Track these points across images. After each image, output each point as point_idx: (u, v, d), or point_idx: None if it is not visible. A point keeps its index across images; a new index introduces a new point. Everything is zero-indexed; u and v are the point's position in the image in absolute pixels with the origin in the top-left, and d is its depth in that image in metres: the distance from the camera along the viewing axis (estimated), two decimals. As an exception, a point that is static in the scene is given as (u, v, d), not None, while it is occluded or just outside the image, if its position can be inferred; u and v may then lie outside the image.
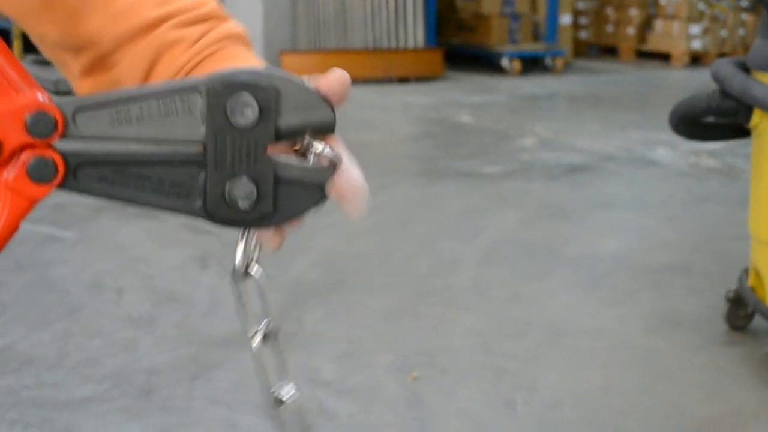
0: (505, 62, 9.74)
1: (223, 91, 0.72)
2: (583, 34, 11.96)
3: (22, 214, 0.75)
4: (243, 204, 0.74)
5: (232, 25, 0.85)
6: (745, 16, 11.71)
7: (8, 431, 2.25)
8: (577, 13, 11.59)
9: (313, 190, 0.74)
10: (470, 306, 3.11)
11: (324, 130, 0.74)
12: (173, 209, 0.75)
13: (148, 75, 0.83)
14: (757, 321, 2.94)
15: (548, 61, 10.13)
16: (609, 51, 11.89)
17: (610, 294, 3.27)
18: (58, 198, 3.87)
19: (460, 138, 6.23)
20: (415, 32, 9.21)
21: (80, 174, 0.74)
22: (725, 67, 2.60)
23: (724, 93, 2.60)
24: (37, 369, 2.58)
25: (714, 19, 11.21)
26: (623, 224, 4.17)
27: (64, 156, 0.73)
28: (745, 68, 2.59)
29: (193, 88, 0.73)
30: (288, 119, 0.73)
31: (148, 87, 0.73)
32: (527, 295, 3.26)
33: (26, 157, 0.73)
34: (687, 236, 3.99)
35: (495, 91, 8.49)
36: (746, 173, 5.12)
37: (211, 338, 2.80)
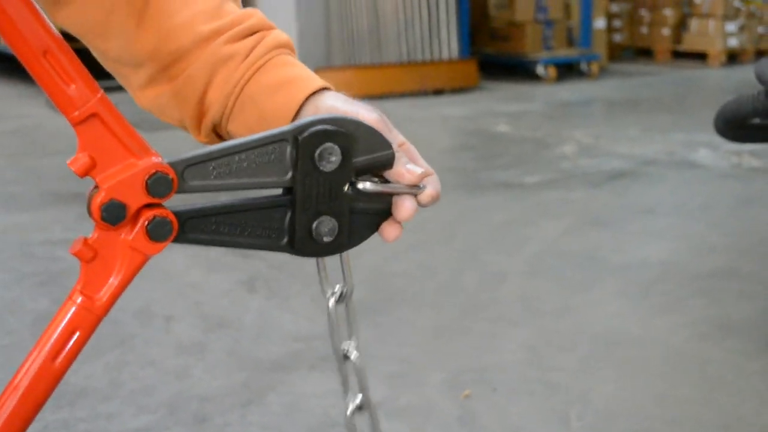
0: (540, 69, 9.71)
1: (311, 140, 0.82)
2: (618, 37, 11.89)
3: (139, 269, 0.83)
4: (327, 239, 0.85)
5: (278, 34, 0.91)
6: (782, 11, 11.60)
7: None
8: (610, 16, 11.53)
9: (377, 216, 0.87)
10: (518, 320, 3.10)
11: (387, 165, 0.86)
12: (263, 248, 0.85)
13: (206, 89, 0.89)
14: (811, 324, 2.91)
15: (584, 66, 10.08)
16: (644, 53, 11.81)
17: (659, 302, 3.25)
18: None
19: (498, 148, 6.22)
20: (449, 43, 9.21)
21: (188, 228, 0.83)
22: (769, 66, 2.56)
23: (769, 93, 2.57)
24: (91, 400, 2.61)
25: (750, 15, 11.10)
26: (668, 230, 4.14)
27: (178, 215, 0.82)
28: (790, 68, 2.55)
29: (283, 138, 0.82)
30: (361, 159, 0.84)
31: (245, 140, 0.82)
32: (575, 306, 3.24)
33: (145, 218, 0.81)
34: (734, 240, 3.95)
35: (531, 99, 8.47)
36: (791, 172, 5.06)
37: (262, 362, 2.82)
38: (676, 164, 5.48)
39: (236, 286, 3.48)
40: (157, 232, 0.81)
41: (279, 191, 0.85)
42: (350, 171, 0.84)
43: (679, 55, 11.36)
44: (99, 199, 0.79)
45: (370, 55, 9.06)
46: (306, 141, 0.82)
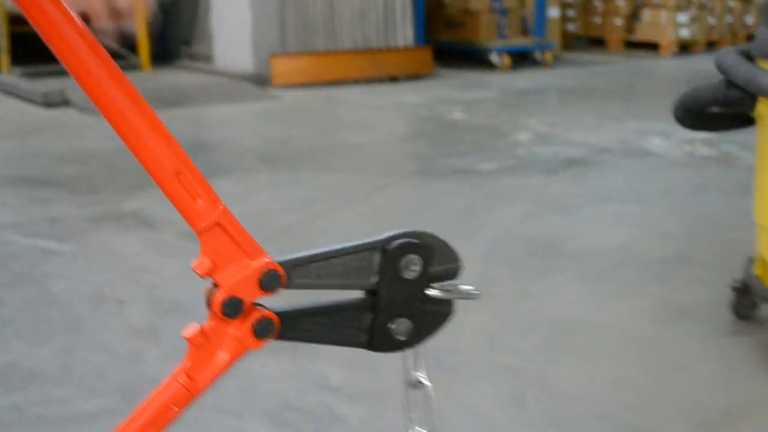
0: (494, 57, 9.73)
1: (398, 251, 0.94)
2: (571, 27, 11.97)
3: (238, 359, 0.94)
4: (402, 338, 0.98)
5: None
6: (733, 3, 11.73)
7: (19, 450, 2.23)
8: (564, 6, 11.59)
9: (444, 316, 1.00)
10: (476, 305, 3.08)
11: (454, 275, 0.99)
12: (346, 345, 0.97)
13: None
14: (764, 310, 2.94)
15: (538, 54, 10.13)
16: (597, 42, 11.89)
17: (615, 287, 3.27)
18: (53, 211, 3.85)
19: (454, 136, 6.23)
20: (404, 31, 9.20)
21: (286, 327, 0.94)
22: (730, 56, 2.58)
23: (729, 83, 2.59)
24: (43, 385, 2.56)
25: (701, 7, 11.22)
26: (624, 216, 4.17)
27: (280, 316, 0.93)
28: (749, 57, 2.57)
29: (375, 248, 0.94)
30: (435, 269, 0.97)
31: (342, 247, 0.94)
32: (532, 291, 3.25)
33: (254, 317, 0.92)
34: (688, 226, 3.99)
35: (486, 87, 8.49)
36: (742, 161, 5.13)
37: (216, 347, 2.78)
38: (630, 152, 5.52)
39: (190, 271, 3.43)
40: (262, 331, 0.93)
41: (361, 293, 0.97)
42: (426, 279, 0.96)
43: (631, 45, 11.45)
44: (220, 296, 0.91)
45: (325, 41, 9.01)
46: (392, 251, 0.94)
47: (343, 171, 5.14)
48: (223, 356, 0.94)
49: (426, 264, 0.96)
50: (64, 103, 7.33)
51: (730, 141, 5.60)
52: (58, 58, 0.82)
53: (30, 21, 0.81)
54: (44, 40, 0.81)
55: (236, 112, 7.25)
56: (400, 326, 0.97)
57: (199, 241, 0.90)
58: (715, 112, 2.85)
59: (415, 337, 0.99)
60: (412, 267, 0.95)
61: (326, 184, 4.84)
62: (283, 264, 0.92)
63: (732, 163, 5.17)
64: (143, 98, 0.85)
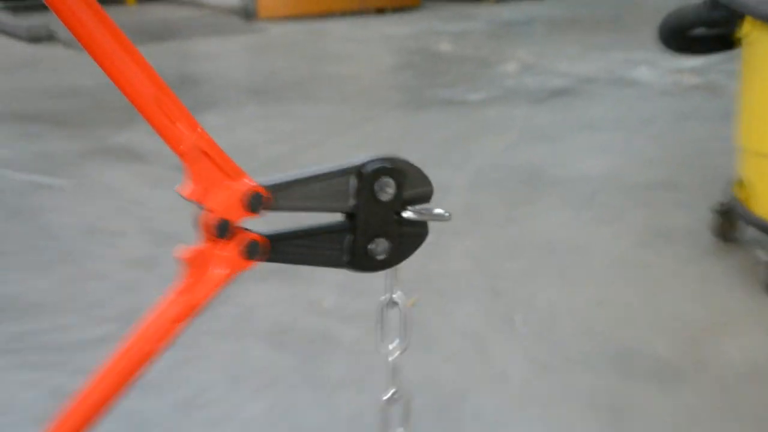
0: (481, -12, 9.67)
1: (373, 175, 0.99)
2: (558, -43, 11.86)
3: (231, 279, 0.98)
4: (381, 257, 1.02)
5: None
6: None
7: (29, 375, 2.30)
8: (551, -65, 11.46)
9: (420, 237, 1.04)
10: (464, 230, 3.16)
11: (427, 198, 1.03)
12: (329, 266, 1.02)
13: None
14: (743, 231, 3.01)
15: (524, -15, 10.05)
16: (585, -28, 11.80)
17: (600, 212, 3.34)
18: (44, 146, 3.86)
19: (441, 67, 6.23)
20: (389, -38, 9.10)
21: (274, 250, 0.99)
22: (714, -23, 2.61)
23: (714, 3, 2.61)
24: (48, 314, 2.62)
25: (689, -66, 11.13)
26: (609, 144, 4.22)
27: (268, 239, 0.98)
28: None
29: (351, 172, 0.99)
30: (409, 192, 1.01)
31: (321, 172, 0.99)
32: (519, 217, 3.31)
33: (243, 239, 0.97)
34: (672, 153, 4.04)
35: (473, 19, 8.46)
36: (728, 89, 5.16)
37: (212, 274, 2.84)
38: (616, 81, 5.55)
39: (181, 202, 3.47)
40: (251, 252, 0.97)
41: (339, 216, 1.02)
42: (400, 201, 1.01)
43: (619, -25, 11.37)
44: (210, 219, 0.94)
45: (310, -27, 8.92)
46: (368, 175, 0.99)
47: (331, 102, 5.17)
48: (216, 274, 0.98)
49: (399, 187, 1.01)
50: (50, 38, 7.28)
51: (717, 69, 5.62)
52: None
53: None
54: None
55: (222, 46, 7.22)
56: (379, 246, 1.02)
57: (183, 165, 0.94)
58: (699, 34, 2.87)
59: (394, 257, 1.04)
60: (387, 189, 1.00)
61: (314, 115, 4.87)
62: (266, 186, 0.96)
63: (718, 91, 5.19)
64: (122, 31, 0.89)
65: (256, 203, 0.96)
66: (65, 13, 0.87)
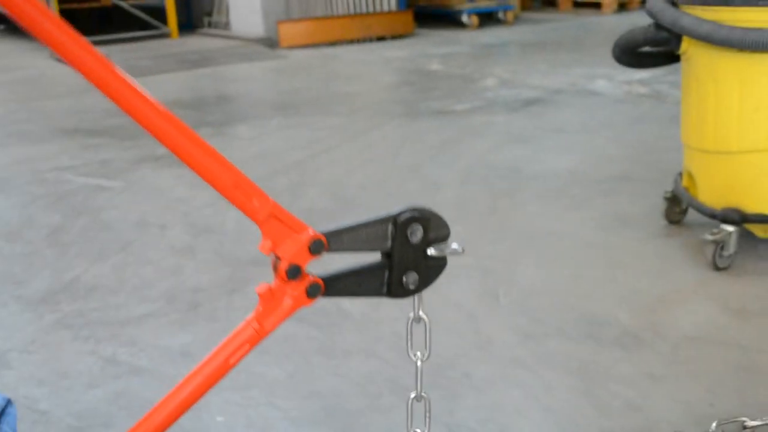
0: (464, 18, 9.59)
1: (405, 223, 1.06)
2: (528, -9, 11.76)
3: (293, 313, 1.04)
4: (411, 286, 1.10)
5: None
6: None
7: (83, 346, 2.23)
8: (522, -27, 11.37)
9: (440, 268, 1.11)
10: (455, 219, 3.09)
11: (445, 238, 1.10)
12: (370, 296, 1.09)
13: None
14: (690, 216, 2.94)
15: (501, 14, 9.99)
16: (550, 3, 11.73)
17: (569, 202, 3.26)
18: (102, 155, 3.79)
19: (432, 83, 6.15)
20: (388, -3, 9.04)
21: (328, 288, 1.06)
22: (658, 3, 2.55)
23: (658, 25, 2.56)
24: (101, 294, 2.56)
25: (636, -30, 11.02)
26: (575, 145, 4.14)
27: (324, 280, 1.05)
28: (674, 3, 2.54)
29: (388, 221, 1.06)
30: (432, 235, 1.08)
31: (365, 222, 1.06)
32: (501, 207, 3.24)
33: (307, 282, 1.04)
34: (627, 151, 3.96)
35: (458, 43, 8.37)
36: (672, 97, 5.08)
37: (242, 260, 2.78)
38: (579, 92, 5.46)
39: (217, 200, 3.41)
40: (313, 292, 1.04)
41: (378, 255, 1.09)
42: (426, 242, 1.08)
43: (578, 5, 11.29)
44: (283, 264, 1.01)
45: (323, 8, 8.88)
46: (401, 222, 1.06)
47: (342, 114, 5.09)
48: (283, 308, 1.03)
49: (426, 231, 1.07)
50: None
51: (661, 81, 5.55)
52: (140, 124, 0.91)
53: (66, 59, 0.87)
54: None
55: (251, 69, 7.15)
56: (410, 278, 1.08)
57: (260, 230, 0.99)
58: (647, 51, 2.81)
59: (421, 285, 1.10)
60: (417, 233, 1.06)
61: (328, 125, 4.79)
62: (324, 234, 1.03)
63: (663, 99, 5.11)
64: (202, 139, 0.93)
65: (318, 248, 1.02)
66: (167, 141, 0.91)
